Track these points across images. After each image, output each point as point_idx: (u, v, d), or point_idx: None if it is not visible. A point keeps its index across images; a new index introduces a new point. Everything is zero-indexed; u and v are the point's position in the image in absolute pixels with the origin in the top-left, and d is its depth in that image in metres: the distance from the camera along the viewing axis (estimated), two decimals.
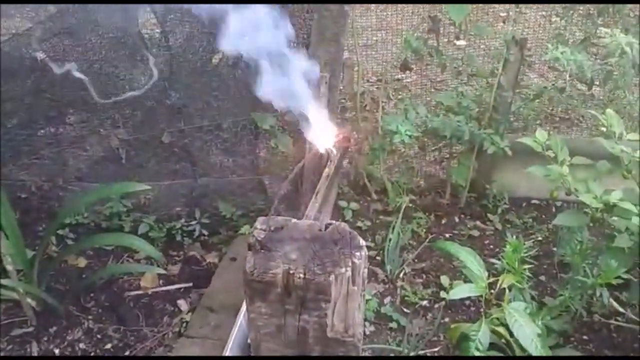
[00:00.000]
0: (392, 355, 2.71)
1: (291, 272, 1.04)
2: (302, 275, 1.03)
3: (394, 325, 2.85)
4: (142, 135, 3.32)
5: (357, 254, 1.06)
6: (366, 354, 2.49)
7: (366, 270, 1.09)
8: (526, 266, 2.35)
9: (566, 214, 2.59)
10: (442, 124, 3.06)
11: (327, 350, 1.15)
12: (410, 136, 3.01)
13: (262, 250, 1.10)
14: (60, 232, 3.33)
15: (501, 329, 2.24)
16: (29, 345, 2.81)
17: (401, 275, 3.14)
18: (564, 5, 3.38)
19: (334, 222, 1.12)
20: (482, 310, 2.89)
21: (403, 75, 4.32)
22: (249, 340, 1.92)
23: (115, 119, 3.33)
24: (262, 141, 3.42)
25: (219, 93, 3.27)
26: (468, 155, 3.40)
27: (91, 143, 3.41)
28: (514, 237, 2.51)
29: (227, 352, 2.05)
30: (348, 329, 1.13)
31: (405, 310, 2.95)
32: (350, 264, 1.05)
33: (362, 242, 1.08)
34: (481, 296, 2.33)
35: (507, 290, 2.20)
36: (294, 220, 1.15)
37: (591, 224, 2.56)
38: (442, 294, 3.01)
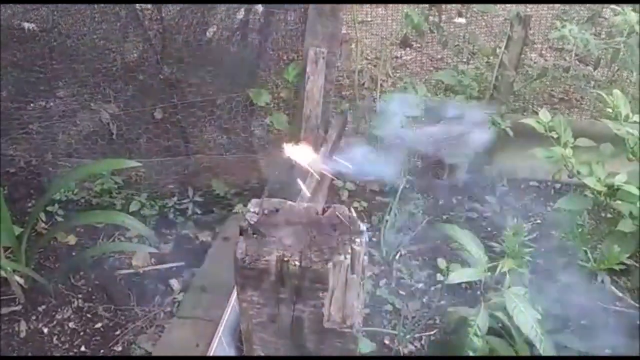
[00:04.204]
0: (387, 337, 2.67)
1: (286, 259, 0.97)
2: (297, 263, 0.96)
3: (389, 307, 2.81)
4: (134, 111, 3.23)
5: (357, 240, 0.99)
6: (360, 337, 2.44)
7: (366, 257, 1.02)
8: (527, 250, 2.30)
9: (568, 198, 2.53)
10: (442, 104, 2.98)
11: (324, 341, 1.09)
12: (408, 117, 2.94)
13: (255, 235, 1.03)
14: (49, 208, 3.26)
15: (499, 314, 2.18)
16: (17, 324, 2.76)
17: (397, 257, 3.08)
18: None
19: (332, 205, 1.05)
20: (479, 293, 2.86)
21: (402, 52, 4.22)
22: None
23: (106, 93, 3.24)
24: (257, 118, 3.34)
25: (213, 68, 3.17)
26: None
27: (81, 118, 3.33)
28: (515, 219, 2.45)
29: (219, 335, 2.00)
30: (346, 319, 1.06)
31: (400, 292, 2.91)
32: (349, 250, 0.98)
33: (363, 227, 1.01)
34: (480, 280, 2.28)
35: (507, 275, 2.14)
36: (289, 202, 1.07)
37: (593, 208, 2.50)
38: (439, 277, 2.96)
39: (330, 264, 0.96)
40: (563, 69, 2.87)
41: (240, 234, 1.04)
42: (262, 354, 1.16)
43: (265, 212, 1.06)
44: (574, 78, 2.92)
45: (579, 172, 2.37)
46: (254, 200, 1.08)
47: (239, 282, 1.02)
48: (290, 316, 1.04)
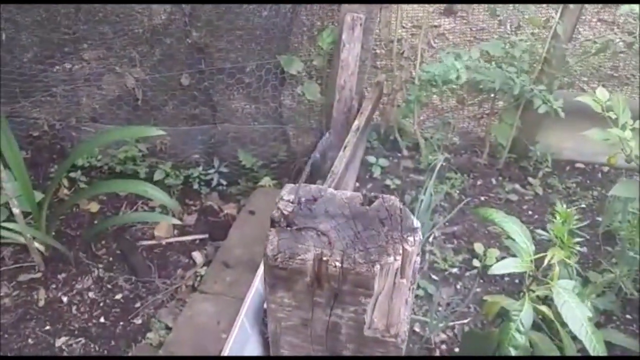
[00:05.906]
0: (417, 324, 2.54)
1: (325, 258, 0.81)
2: (338, 264, 0.81)
3: (420, 292, 2.67)
4: (160, 76, 3.11)
5: (410, 238, 0.83)
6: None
7: (419, 258, 0.87)
8: (576, 239, 2.11)
9: (624, 184, 2.33)
10: (492, 74, 2.76)
11: (363, 351, 0.94)
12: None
13: (289, 228, 0.87)
14: (72, 174, 3.21)
15: (544, 308, 2.02)
16: (36, 292, 2.72)
17: (431, 239, 2.92)
18: None
19: (380, 195, 0.89)
20: (517, 281, 2.70)
21: (443, 21, 3.99)
22: (265, 306, 1.74)
23: (132, 56, 3.11)
24: (287, 88, 3.18)
25: (244, 32, 3.01)
26: (512, 112, 3.11)
27: (106, 82, 3.23)
28: (563, 205, 2.26)
29: (241, 317, 1.88)
30: (390, 327, 0.92)
31: (433, 277, 2.76)
32: (400, 251, 0.82)
33: (417, 224, 0.85)
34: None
35: (555, 267, 1.97)
36: (330, 190, 0.91)
37: None
38: (475, 262, 2.80)
39: (377, 267, 0.81)
40: (626, 44, 2.62)
41: (272, 226, 0.89)
42: None
43: (302, 200, 0.90)
44: (635, 54, 2.67)
45: (637, 157, 2.17)
46: (288, 186, 0.93)
47: (268, 281, 0.88)
48: (326, 322, 0.90)
